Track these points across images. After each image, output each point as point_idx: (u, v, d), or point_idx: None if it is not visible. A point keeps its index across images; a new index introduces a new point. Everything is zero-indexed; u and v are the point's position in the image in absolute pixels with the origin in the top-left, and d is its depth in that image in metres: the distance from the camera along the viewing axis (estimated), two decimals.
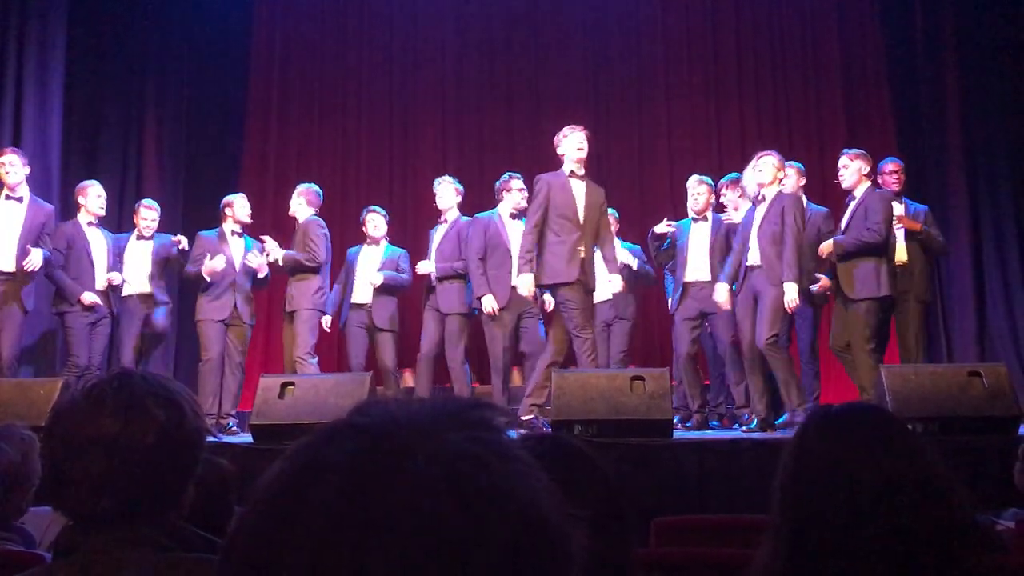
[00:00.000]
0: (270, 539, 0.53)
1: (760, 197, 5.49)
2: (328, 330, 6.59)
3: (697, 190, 6.15)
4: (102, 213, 6.36)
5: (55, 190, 7.08)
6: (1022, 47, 7.49)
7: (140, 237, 6.46)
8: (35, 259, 5.86)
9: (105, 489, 1.19)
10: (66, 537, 1.25)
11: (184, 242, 6.45)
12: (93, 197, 6.30)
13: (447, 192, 6.56)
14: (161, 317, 6.43)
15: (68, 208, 6.69)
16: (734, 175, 6.21)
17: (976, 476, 3.80)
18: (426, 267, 6.43)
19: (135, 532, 1.20)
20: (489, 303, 5.95)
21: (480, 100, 9.09)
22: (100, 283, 6.20)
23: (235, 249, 6.43)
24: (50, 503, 1.28)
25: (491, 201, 6.49)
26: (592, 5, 9.02)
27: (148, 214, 6.48)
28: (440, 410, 0.58)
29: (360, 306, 6.58)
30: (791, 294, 5.16)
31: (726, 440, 4.72)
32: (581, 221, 5.35)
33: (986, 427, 4.35)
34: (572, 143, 5.44)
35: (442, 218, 6.60)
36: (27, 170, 6.05)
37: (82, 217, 6.29)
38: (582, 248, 5.31)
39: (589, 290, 5.40)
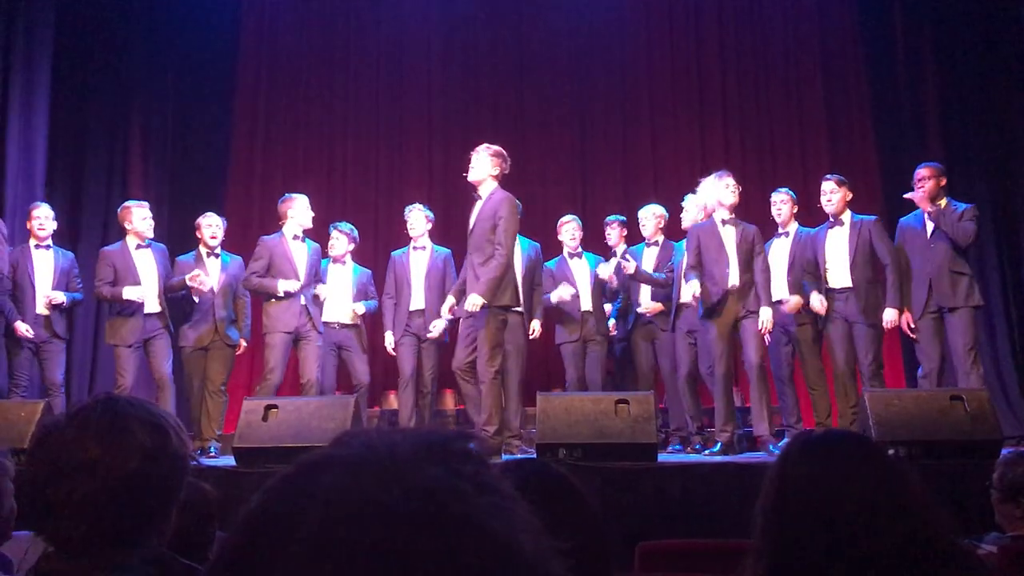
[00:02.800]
0: (250, 570, 0.53)
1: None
2: None
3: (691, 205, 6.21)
4: (43, 234, 6.18)
5: None
6: (1000, 68, 7.60)
7: (141, 246, 6.19)
8: None
9: (87, 514, 1.18)
10: (45, 563, 1.23)
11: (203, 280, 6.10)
12: (35, 219, 6.17)
13: (419, 220, 6.47)
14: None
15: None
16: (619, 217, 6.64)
17: (958, 500, 3.80)
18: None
19: (116, 558, 1.19)
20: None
21: (466, 120, 9.12)
22: (41, 306, 6.06)
23: (211, 270, 6.29)
24: (32, 528, 1.26)
25: None
26: (577, 27, 9.08)
27: (144, 212, 6.21)
28: (421, 442, 0.58)
29: (330, 324, 6.35)
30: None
31: (710, 464, 4.72)
32: (469, 239, 5.41)
33: (968, 451, 4.36)
34: None
35: (413, 245, 6.47)
36: None
37: (32, 240, 6.19)
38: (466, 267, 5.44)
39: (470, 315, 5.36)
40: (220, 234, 6.40)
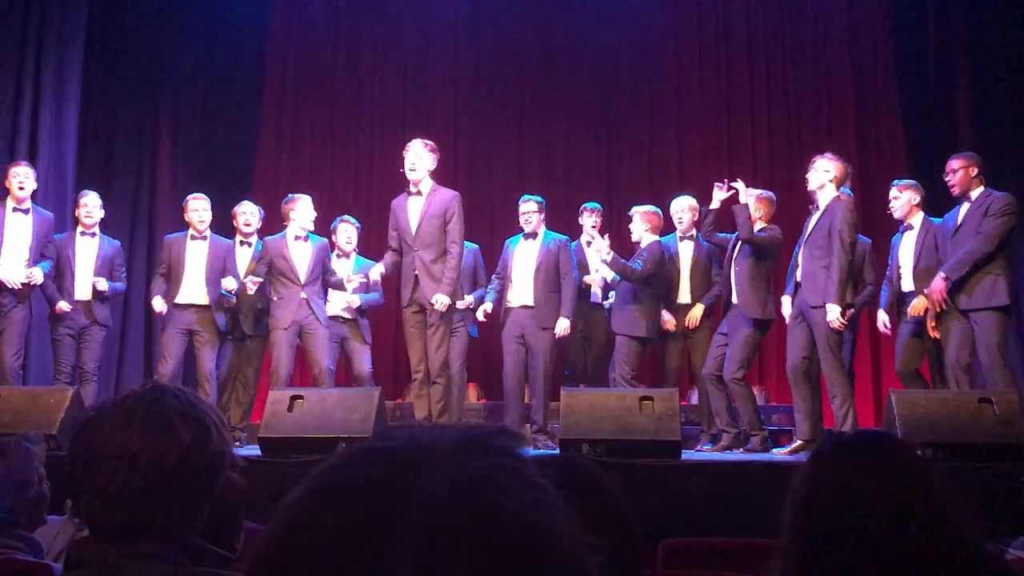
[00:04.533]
0: (291, 559, 0.54)
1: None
2: None
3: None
4: (89, 222, 6.27)
5: (70, 199, 7.14)
6: None
7: (194, 237, 6.23)
8: (36, 275, 5.91)
9: (123, 502, 1.20)
10: (79, 548, 1.26)
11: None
12: (82, 207, 6.28)
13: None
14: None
15: None
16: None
17: (985, 504, 3.77)
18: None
19: (148, 546, 1.21)
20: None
21: (492, 114, 9.13)
22: (81, 292, 6.13)
23: (241, 259, 6.31)
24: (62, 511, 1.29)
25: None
26: (604, 25, 9.05)
27: (198, 204, 6.28)
28: (463, 436, 0.58)
29: (332, 319, 6.30)
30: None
31: (734, 462, 4.70)
32: (413, 236, 5.48)
33: (996, 454, 4.31)
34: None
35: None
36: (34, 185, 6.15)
37: (78, 227, 6.30)
38: (413, 264, 5.45)
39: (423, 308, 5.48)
40: (255, 222, 6.46)
